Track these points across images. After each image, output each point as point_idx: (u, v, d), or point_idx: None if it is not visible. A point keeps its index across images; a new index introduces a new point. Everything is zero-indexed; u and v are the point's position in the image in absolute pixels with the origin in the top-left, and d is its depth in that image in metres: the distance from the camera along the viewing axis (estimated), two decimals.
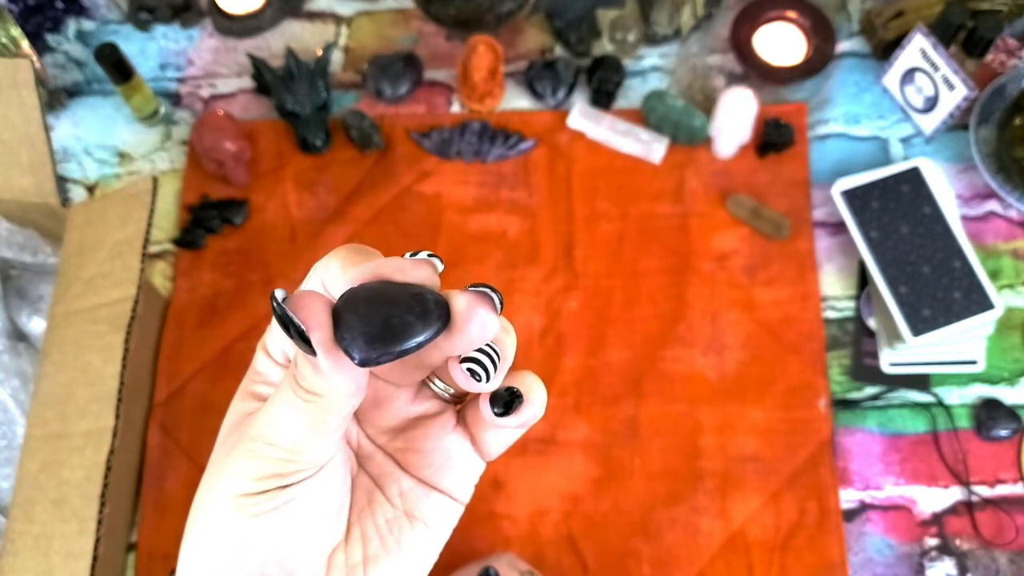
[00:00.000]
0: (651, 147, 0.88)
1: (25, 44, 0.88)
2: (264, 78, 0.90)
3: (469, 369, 0.26)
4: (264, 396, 0.29)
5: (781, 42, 0.91)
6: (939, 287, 0.76)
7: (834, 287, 0.83)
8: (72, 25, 0.98)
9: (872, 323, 0.81)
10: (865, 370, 0.80)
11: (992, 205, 0.85)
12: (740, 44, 0.90)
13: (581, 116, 0.89)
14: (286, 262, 0.86)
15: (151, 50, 0.96)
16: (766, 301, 0.82)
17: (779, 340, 0.81)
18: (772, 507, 0.76)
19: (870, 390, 0.80)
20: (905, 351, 0.78)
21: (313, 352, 0.25)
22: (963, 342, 0.78)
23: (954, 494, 0.76)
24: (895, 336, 0.77)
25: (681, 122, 0.87)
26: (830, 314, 0.82)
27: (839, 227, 0.84)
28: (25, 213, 0.77)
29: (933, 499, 0.76)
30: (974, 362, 0.79)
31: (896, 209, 0.79)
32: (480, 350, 0.26)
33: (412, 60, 0.92)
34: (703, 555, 0.75)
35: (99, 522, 0.62)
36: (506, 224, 0.87)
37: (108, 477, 0.63)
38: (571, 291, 0.84)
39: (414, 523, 0.29)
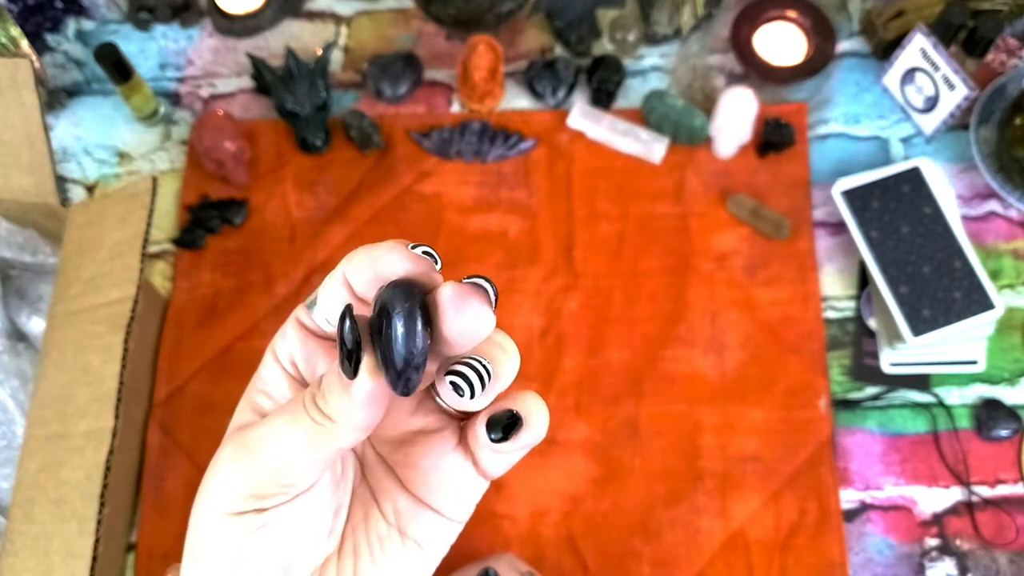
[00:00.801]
0: (651, 147, 0.87)
1: (25, 44, 0.88)
2: (264, 78, 0.90)
3: (452, 383, 0.25)
4: (262, 409, 0.28)
5: (781, 42, 0.91)
6: (939, 287, 0.76)
7: (834, 287, 0.83)
8: (72, 25, 0.97)
9: (872, 323, 0.81)
10: (865, 370, 0.80)
11: (992, 205, 0.85)
12: (740, 44, 0.90)
13: (581, 116, 0.89)
14: (286, 262, 0.86)
15: (151, 50, 0.96)
16: (766, 301, 0.82)
17: (779, 340, 0.81)
18: (772, 507, 0.76)
19: (870, 390, 0.80)
20: (905, 351, 0.78)
21: (354, 375, 0.24)
22: (963, 342, 0.78)
23: (954, 494, 0.76)
24: (895, 336, 0.77)
25: (681, 122, 0.87)
26: (830, 314, 0.82)
27: (839, 227, 0.84)
28: (25, 213, 0.77)
29: (933, 499, 0.76)
30: (974, 362, 0.79)
31: (896, 209, 0.79)
32: (470, 365, 0.25)
33: (412, 60, 0.92)
34: (703, 555, 0.75)
35: (99, 522, 0.62)
36: (506, 224, 0.87)
37: (108, 477, 0.63)
38: (571, 291, 0.84)
39: (406, 542, 0.28)
